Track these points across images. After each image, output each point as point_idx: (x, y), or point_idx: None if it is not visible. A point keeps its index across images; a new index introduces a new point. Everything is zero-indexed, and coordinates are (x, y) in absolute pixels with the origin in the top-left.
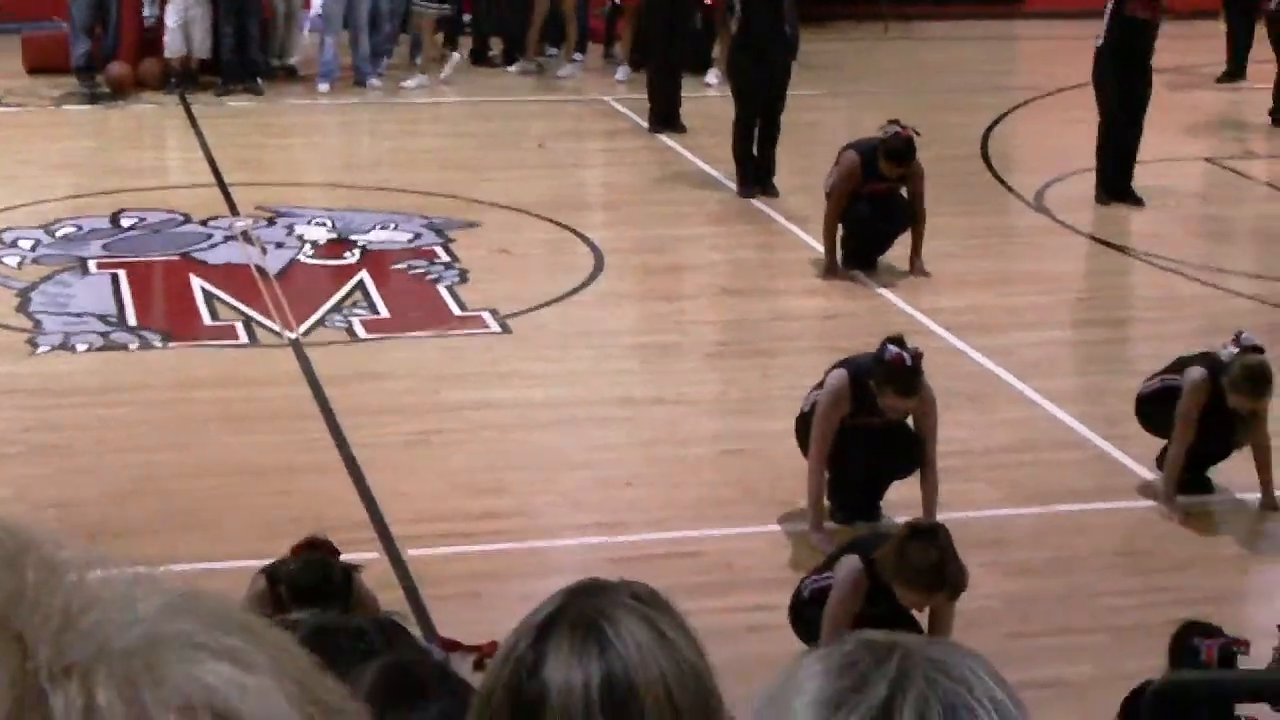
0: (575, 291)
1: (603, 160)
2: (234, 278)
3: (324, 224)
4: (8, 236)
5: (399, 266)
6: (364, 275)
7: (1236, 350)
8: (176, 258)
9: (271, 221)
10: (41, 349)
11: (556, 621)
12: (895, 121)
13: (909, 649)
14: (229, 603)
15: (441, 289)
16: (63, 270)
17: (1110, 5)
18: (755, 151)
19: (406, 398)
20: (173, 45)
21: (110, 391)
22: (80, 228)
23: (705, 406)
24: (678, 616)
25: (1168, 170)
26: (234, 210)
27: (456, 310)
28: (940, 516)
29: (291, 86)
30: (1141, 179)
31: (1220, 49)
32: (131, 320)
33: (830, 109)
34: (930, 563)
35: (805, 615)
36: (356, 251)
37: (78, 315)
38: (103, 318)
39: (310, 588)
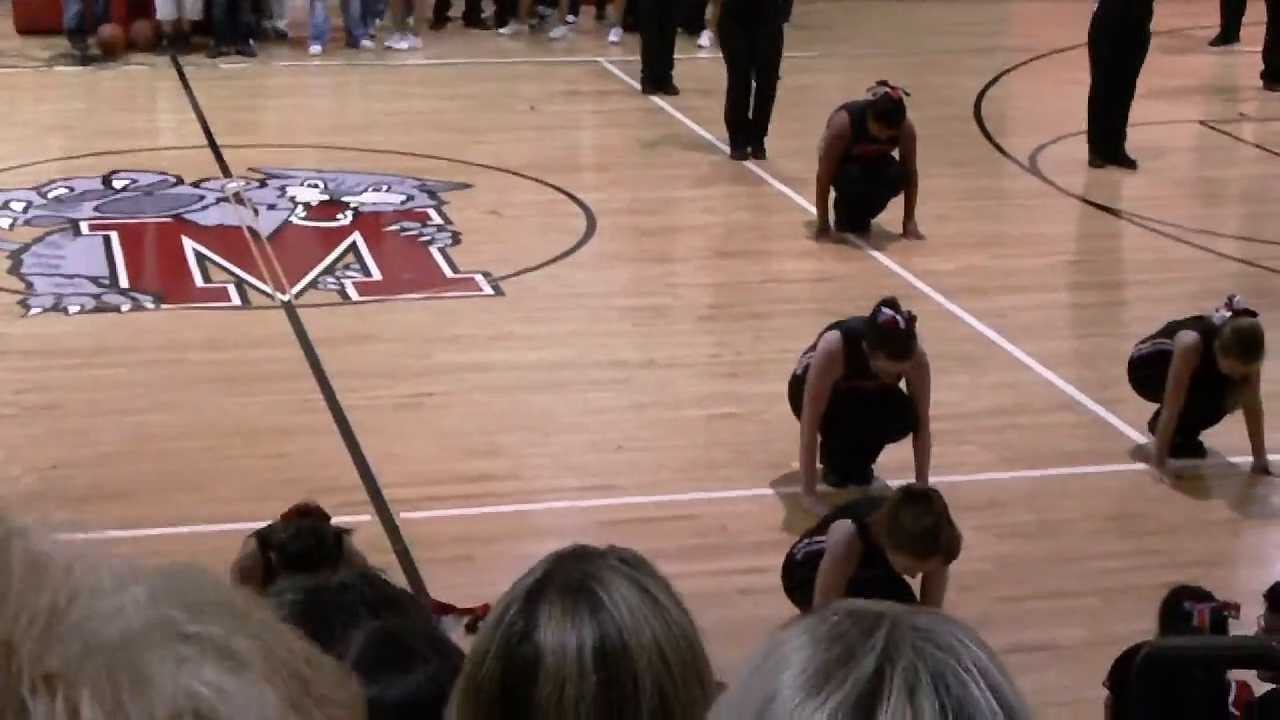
0: (567, 254)
1: (595, 122)
2: (226, 239)
3: (316, 186)
4: None
5: (391, 228)
6: (356, 237)
7: (1228, 314)
8: (169, 219)
9: (263, 183)
10: (34, 311)
11: (546, 586)
12: (884, 82)
13: (896, 618)
14: (217, 585)
15: (434, 251)
16: (55, 232)
17: None
18: (750, 115)
19: (399, 360)
20: (164, 7)
21: (102, 353)
22: (72, 189)
23: (698, 369)
24: (664, 580)
25: (1160, 133)
26: (226, 172)
27: (449, 272)
28: (932, 479)
29: (283, 48)
30: (1134, 141)
31: (1213, 12)
32: (124, 282)
33: (824, 71)
34: (924, 528)
35: (798, 578)
36: (349, 213)
37: (70, 277)
38: (95, 279)
39: (302, 553)
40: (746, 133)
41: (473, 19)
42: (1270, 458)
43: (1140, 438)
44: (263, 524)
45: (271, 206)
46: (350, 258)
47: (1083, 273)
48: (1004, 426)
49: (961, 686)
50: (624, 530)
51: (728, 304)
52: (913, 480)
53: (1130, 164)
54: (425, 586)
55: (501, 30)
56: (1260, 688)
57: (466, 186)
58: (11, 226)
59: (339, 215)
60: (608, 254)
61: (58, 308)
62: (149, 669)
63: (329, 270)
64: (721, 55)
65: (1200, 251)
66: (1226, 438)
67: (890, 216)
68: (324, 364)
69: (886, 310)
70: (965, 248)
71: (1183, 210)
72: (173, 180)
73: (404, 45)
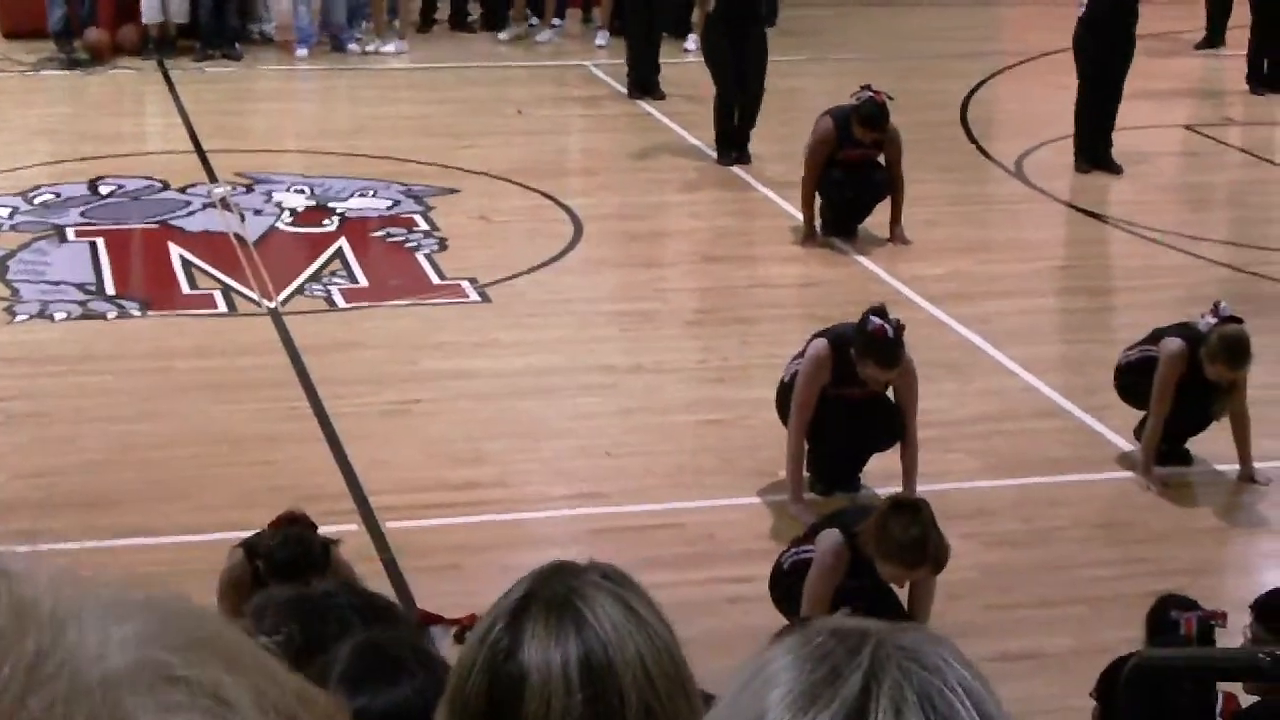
0: (555, 259)
1: (582, 127)
2: (212, 246)
3: (302, 191)
4: None
5: (378, 234)
6: (343, 243)
7: (1214, 320)
8: (155, 225)
9: (250, 188)
10: (19, 317)
11: (530, 603)
12: (868, 86)
13: (881, 637)
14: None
15: (420, 257)
16: (40, 238)
17: None
18: (735, 122)
19: (386, 367)
20: (150, 11)
21: (88, 360)
22: (58, 195)
23: (685, 374)
24: (646, 594)
25: (1146, 137)
26: (212, 177)
27: (435, 279)
28: (920, 487)
29: (269, 52)
30: (1120, 146)
31: (1199, 15)
32: (110, 289)
33: (810, 76)
34: (912, 538)
35: (785, 587)
36: (335, 219)
37: (56, 284)
38: (81, 286)
39: (289, 562)
40: (732, 138)
41: (459, 22)
42: (1256, 465)
43: (1127, 445)
44: (250, 532)
45: (258, 212)
46: (336, 264)
47: (1069, 278)
48: (991, 433)
49: (948, 706)
50: (612, 538)
51: (715, 309)
52: (900, 488)
53: (1116, 169)
54: (412, 595)
55: (500, 35)
56: (1247, 699)
57: (453, 192)
58: None
59: (325, 221)
60: (595, 259)
61: (44, 315)
62: (134, 716)
63: (315, 277)
64: (706, 64)
65: (1186, 257)
66: (1213, 445)
67: (876, 221)
68: (310, 371)
69: (875, 318)
70: (951, 253)
71: (1169, 215)
72: (159, 185)
73: (390, 49)
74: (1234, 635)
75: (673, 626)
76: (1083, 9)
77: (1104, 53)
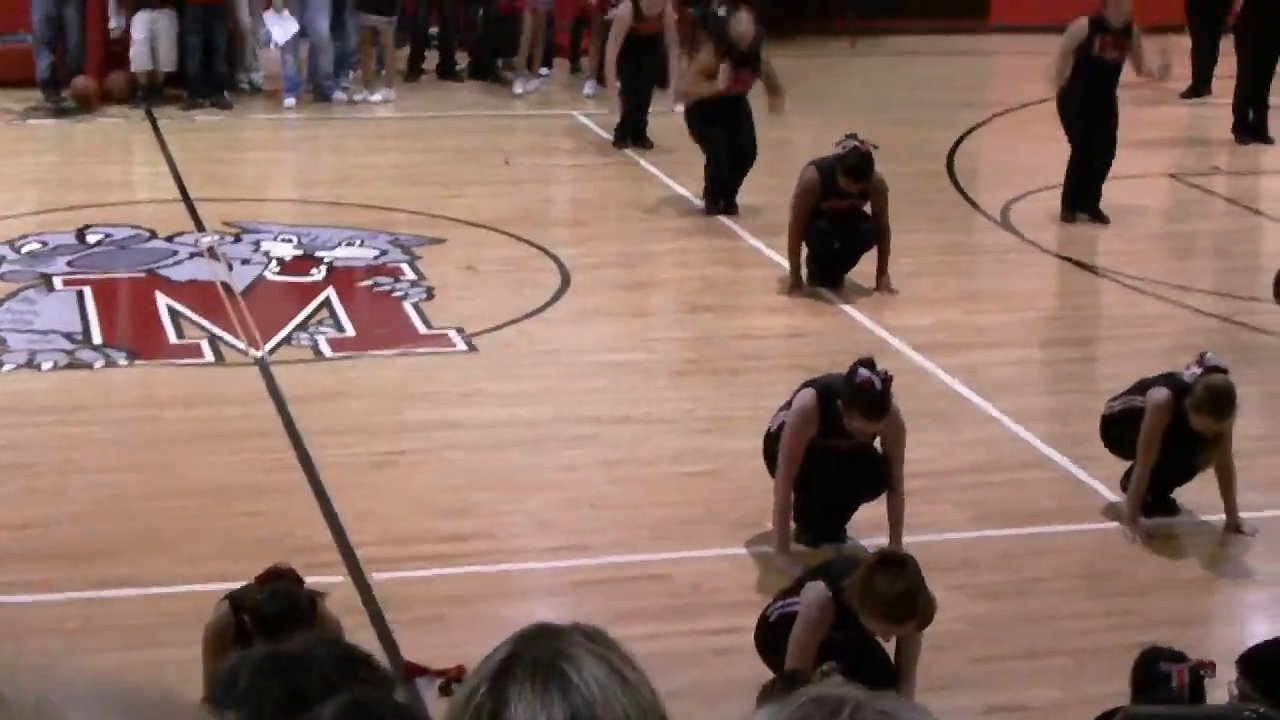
0: (542, 309)
1: (569, 176)
2: (200, 295)
3: (290, 240)
4: None
5: (365, 284)
6: (330, 292)
7: (1200, 371)
8: (142, 275)
9: (238, 238)
10: (6, 367)
11: (514, 665)
12: (853, 136)
13: (859, 704)
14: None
15: (408, 306)
16: (28, 287)
17: None
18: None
19: (372, 417)
20: (138, 59)
21: (75, 410)
22: (46, 244)
23: (672, 425)
24: (628, 655)
25: (1132, 187)
26: (200, 226)
27: (423, 328)
28: (906, 538)
29: (258, 101)
30: (1106, 195)
31: (1185, 64)
32: (97, 338)
33: (797, 126)
34: (898, 593)
35: (771, 640)
36: (323, 268)
37: (43, 333)
38: (68, 335)
39: (276, 616)
40: (721, 189)
41: (446, 72)
42: (1242, 515)
43: (1113, 495)
44: (236, 584)
45: (245, 261)
46: (324, 313)
47: (1055, 328)
48: (977, 484)
49: None
50: (597, 590)
51: (701, 359)
52: (886, 540)
53: (1103, 219)
54: (398, 647)
55: (515, 89)
56: None
57: (440, 241)
58: None
59: (313, 270)
60: (582, 309)
61: (31, 364)
62: None
63: (302, 326)
64: (695, 139)
65: (1173, 306)
66: (1199, 495)
67: (863, 271)
68: (297, 421)
69: (863, 370)
70: (938, 303)
71: (1155, 265)
72: (146, 234)
73: (377, 98)
74: (1220, 686)
75: (657, 681)
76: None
77: (1090, 121)
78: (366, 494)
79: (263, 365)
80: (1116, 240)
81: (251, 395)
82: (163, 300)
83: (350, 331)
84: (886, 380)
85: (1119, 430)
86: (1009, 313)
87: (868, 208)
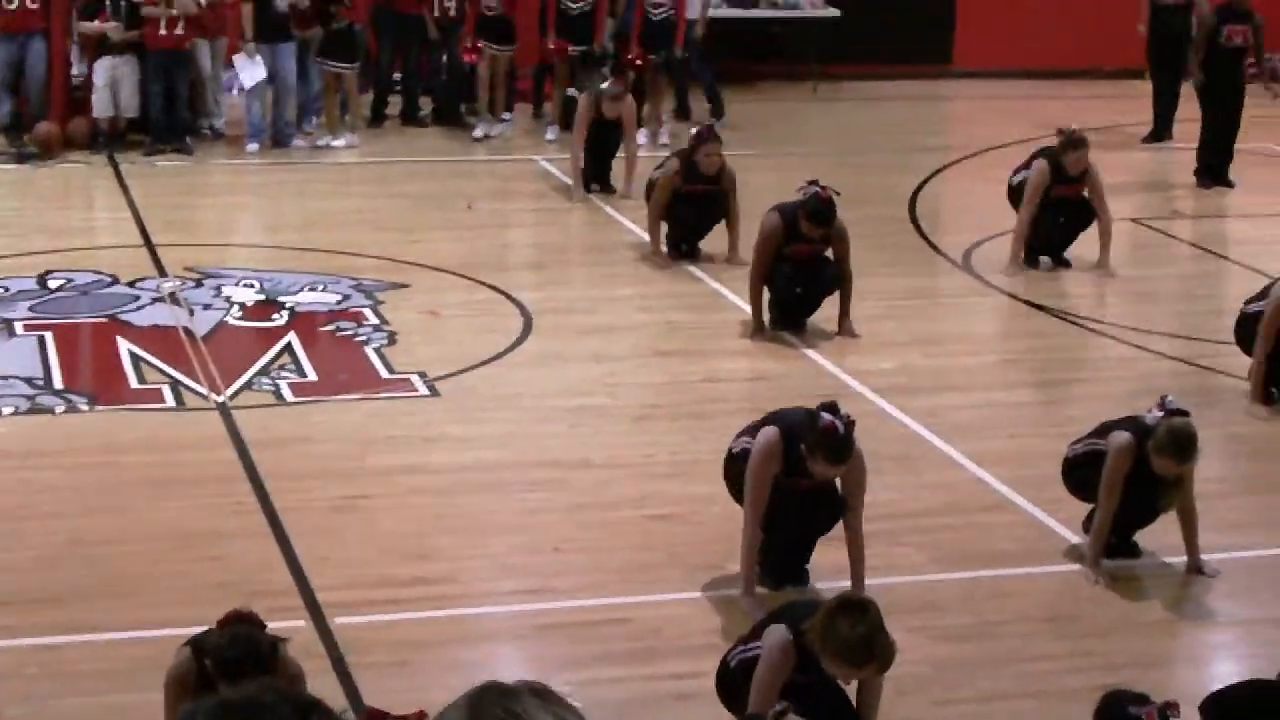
0: (504, 353)
1: (532, 220)
2: (161, 340)
3: (252, 285)
4: None
5: (327, 328)
6: (292, 337)
7: (1161, 414)
8: (104, 320)
9: (199, 283)
10: None
11: None
12: (814, 182)
13: None
14: None
15: (370, 351)
16: None
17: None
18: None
19: (334, 462)
20: (101, 105)
21: (36, 455)
22: (7, 289)
23: (634, 469)
24: (577, 710)
25: (1094, 231)
26: (162, 271)
27: (385, 373)
28: (868, 581)
29: (220, 146)
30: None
31: (1146, 109)
32: (58, 383)
33: (759, 170)
34: (859, 637)
35: (732, 685)
36: (285, 313)
37: (4, 378)
38: (29, 380)
39: (237, 661)
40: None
41: (410, 117)
42: (1204, 557)
43: (1075, 537)
44: (197, 629)
45: (207, 306)
46: (286, 358)
47: (1017, 371)
48: (939, 527)
49: None
50: (560, 634)
51: (664, 404)
52: (848, 583)
53: (1065, 263)
54: (360, 692)
55: (475, 134)
56: None
57: (403, 286)
58: None
59: (274, 315)
60: (544, 354)
61: None
62: None
63: (264, 371)
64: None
65: (1135, 350)
66: (1161, 538)
67: (826, 315)
68: (258, 466)
69: (826, 415)
70: (900, 346)
71: (1117, 308)
72: (108, 280)
73: (340, 143)
74: None
75: None
76: (1018, 178)
77: (1047, 217)
78: (328, 538)
79: (224, 410)
80: (1078, 283)
81: (213, 440)
82: (124, 345)
83: (312, 376)
84: (849, 424)
85: (1081, 473)
86: (971, 356)
87: (830, 252)
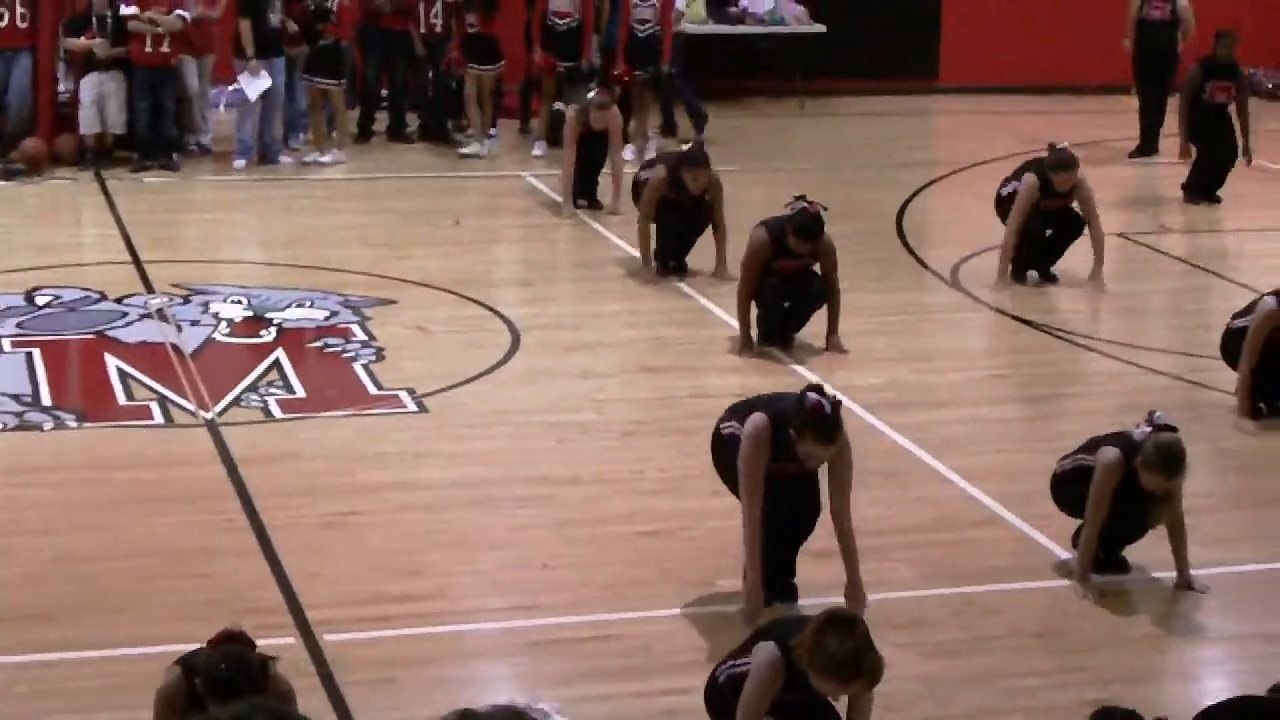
0: (492, 369)
1: (519, 236)
2: (149, 357)
3: (240, 302)
4: None
5: (315, 345)
6: (280, 354)
7: (1150, 429)
8: (91, 336)
9: (187, 299)
10: None
11: None
12: (802, 197)
13: None
14: None
15: (358, 367)
16: None
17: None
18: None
19: (323, 478)
20: (87, 121)
21: (23, 472)
22: None
23: (622, 485)
24: None
25: (1082, 246)
26: (149, 288)
27: (373, 389)
28: None
29: (207, 163)
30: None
31: (1132, 124)
32: (46, 400)
33: (746, 185)
34: (846, 652)
35: (720, 701)
36: (273, 330)
37: None
38: (16, 397)
39: (226, 680)
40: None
41: (397, 133)
42: (1193, 573)
43: (1064, 553)
44: (186, 646)
45: (195, 323)
46: (274, 375)
47: (1006, 387)
48: (928, 542)
49: None
50: (549, 651)
51: (652, 420)
52: (838, 600)
53: (1052, 278)
54: (349, 709)
55: (463, 150)
56: None
57: (391, 302)
58: None
59: (262, 332)
60: (532, 370)
61: None
62: None
63: (252, 387)
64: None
65: (1123, 365)
66: (1150, 553)
67: (814, 330)
68: (247, 483)
69: (812, 395)
70: (888, 362)
71: (1105, 323)
72: (96, 296)
73: (327, 159)
74: None
75: None
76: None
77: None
78: (317, 555)
79: (212, 427)
80: (1066, 299)
81: (201, 457)
82: (112, 362)
83: (300, 393)
84: (835, 404)
85: (1070, 489)
86: (959, 372)
87: (817, 267)
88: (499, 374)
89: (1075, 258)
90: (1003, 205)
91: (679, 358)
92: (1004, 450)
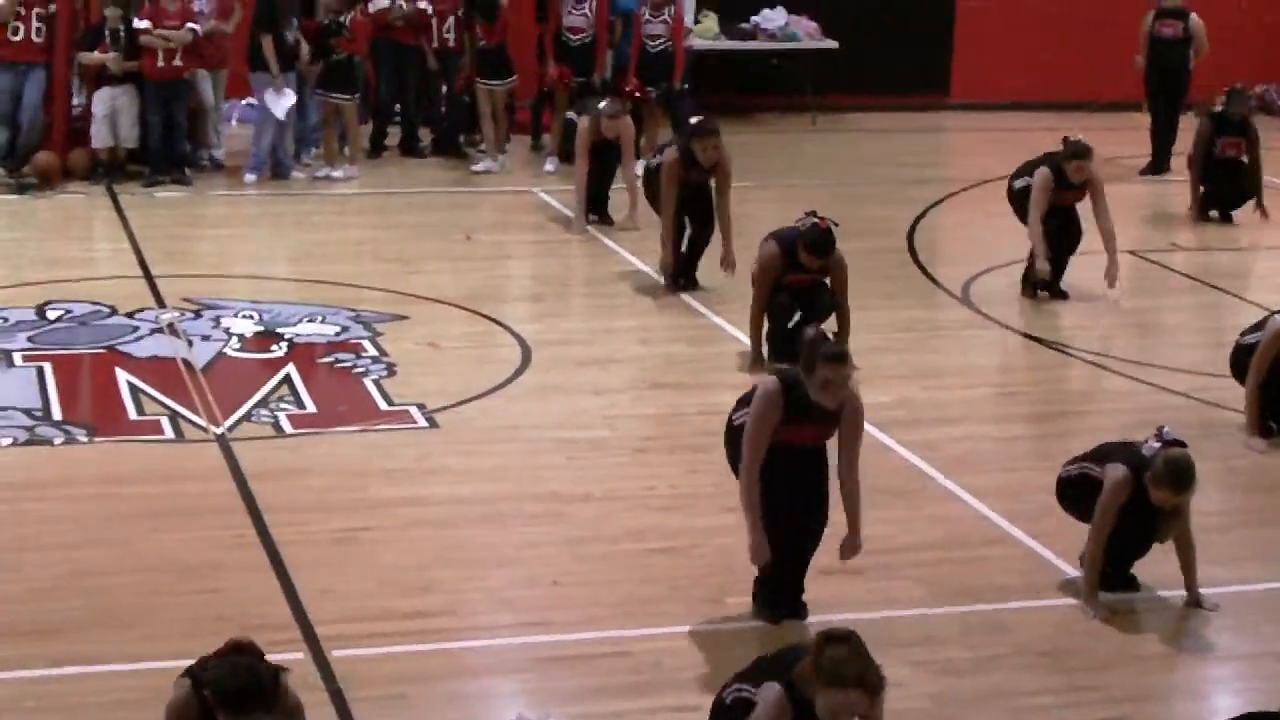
0: (503, 385)
1: (531, 252)
2: (160, 371)
3: (251, 316)
4: None
5: (326, 360)
6: (291, 369)
7: (1159, 445)
8: (102, 350)
9: (198, 314)
10: None
11: None
12: (813, 213)
13: None
14: None
15: (369, 383)
16: None
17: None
18: (685, 250)
19: (333, 494)
20: (100, 136)
21: (34, 487)
22: (6, 319)
23: (633, 502)
24: None
25: (1093, 263)
26: (160, 303)
27: (384, 405)
28: (866, 615)
29: (219, 177)
30: (1067, 272)
31: (1144, 141)
32: (57, 414)
33: (758, 201)
34: (843, 658)
35: None
36: (284, 345)
37: (2, 409)
38: (28, 411)
39: (238, 692)
40: (681, 265)
41: (409, 148)
42: (1203, 591)
43: (1073, 571)
44: (193, 663)
45: (206, 338)
46: (284, 390)
47: (1015, 404)
48: (937, 560)
49: None
50: (559, 668)
51: (663, 436)
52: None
53: (1062, 295)
54: None
55: (475, 167)
56: None
57: (402, 318)
58: None
59: (273, 347)
60: (543, 386)
61: None
62: None
63: (263, 402)
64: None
65: (1133, 383)
66: (1159, 571)
67: None
68: (257, 498)
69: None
70: (898, 379)
71: (1115, 341)
72: (107, 311)
73: (339, 174)
74: None
75: None
76: (1020, 183)
77: (1052, 228)
78: (327, 571)
79: (223, 442)
80: (1076, 316)
81: (211, 472)
82: (123, 376)
83: (311, 408)
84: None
85: (1073, 491)
86: (969, 389)
87: (828, 281)
88: (510, 390)
89: (1085, 273)
90: (1015, 198)
91: (690, 374)
92: (1014, 468)
